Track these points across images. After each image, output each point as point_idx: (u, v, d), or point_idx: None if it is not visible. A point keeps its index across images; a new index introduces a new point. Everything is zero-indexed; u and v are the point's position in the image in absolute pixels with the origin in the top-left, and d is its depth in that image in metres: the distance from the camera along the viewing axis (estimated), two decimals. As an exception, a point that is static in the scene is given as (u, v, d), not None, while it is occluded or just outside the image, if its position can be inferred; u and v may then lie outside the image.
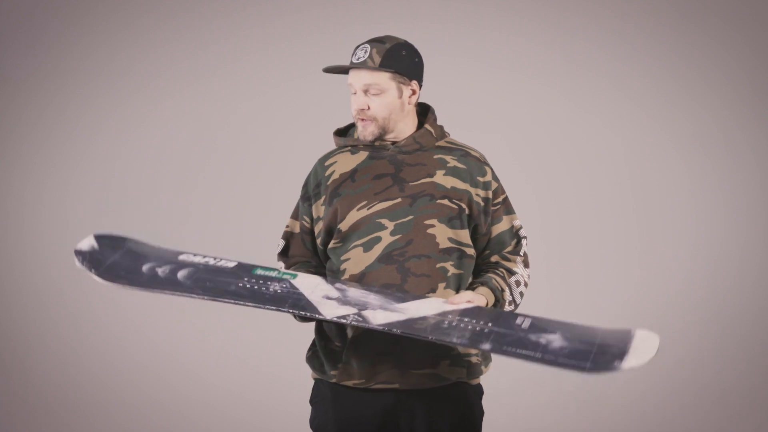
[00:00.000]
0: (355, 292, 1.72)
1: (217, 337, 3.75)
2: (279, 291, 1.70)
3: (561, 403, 3.56)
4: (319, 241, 1.91)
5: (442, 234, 1.82)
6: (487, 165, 1.92)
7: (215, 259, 1.81)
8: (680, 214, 3.75)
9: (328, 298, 1.69)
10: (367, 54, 1.83)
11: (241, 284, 1.71)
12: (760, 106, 3.75)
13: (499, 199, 1.92)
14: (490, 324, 1.65)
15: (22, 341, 3.76)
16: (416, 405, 1.82)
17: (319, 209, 1.90)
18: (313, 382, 1.94)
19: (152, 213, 3.80)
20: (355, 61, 1.84)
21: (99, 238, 1.79)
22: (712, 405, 3.53)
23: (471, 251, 1.87)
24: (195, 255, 1.82)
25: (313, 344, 1.93)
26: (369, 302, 1.68)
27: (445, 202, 1.83)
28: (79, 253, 1.74)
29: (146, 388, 3.65)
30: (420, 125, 1.93)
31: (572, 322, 1.68)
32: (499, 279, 1.87)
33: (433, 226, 1.81)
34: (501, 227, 1.92)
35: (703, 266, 3.72)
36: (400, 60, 1.85)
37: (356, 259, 1.82)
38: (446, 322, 1.64)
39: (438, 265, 1.80)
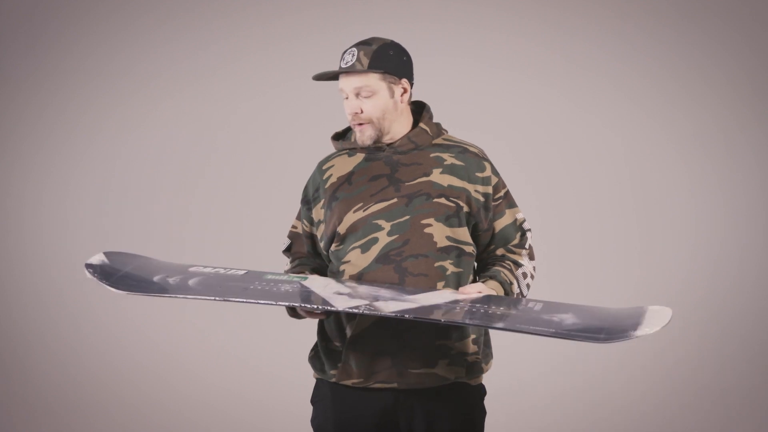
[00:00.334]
0: (365, 288, 1.73)
1: (217, 337, 3.75)
2: (290, 290, 1.71)
3: (563, 403, 3.56)
4: (322, 245, 1.92)
5: (440, 233, 1.81)
6: (486, 160, 1.91)
7: (225, 269, 1.83)
8: (680, 214, 3.75)
9: (339, 293, 1.69)
10: (355, 57, 1.83)
11: (252, 287, 1.72)
12: (760, 106, 3.75)
13: (500, 194, 1.92)
14: (502, 308, 1.65)
15: (22, 341, 3.76)
16: (415, 405, 1.82)
17: (318, 213, 1.91)
18: (314, 382, 1.95)
19: (152, 213, 3.80)
20: (343, 65, 1.84)
21: (109, 254, 1.79)
22: (713, 405, 3.53)
23: (470, 249, 1.86)
24: (205, 267, 1.84)
25: (316, 344, 1.93)
26: (380, 295, 1.68)
27: (442, 200, 1.83)
28: (89, 266, 1.73)
29: (146, 388, 3.65)
30: (415, 124, 1.93)
31: (584, 305, 1.68)
32: (506, 272, 1.87)
33: (430, 225, 1.81)
34: (504, 221, 1.92)
35: (703, 266, 3.72)
36: (388, 60, 1.85)
37: (354, 261, 1.82)
38: (458, 308, 1.64)
39: (436, 264, 1.80)
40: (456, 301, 1.68)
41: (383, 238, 1.80)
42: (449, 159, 1.87)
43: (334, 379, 1.85)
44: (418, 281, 1.78)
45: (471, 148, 1.92)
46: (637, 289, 3.68)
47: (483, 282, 1.84)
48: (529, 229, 1.96)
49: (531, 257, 1.94)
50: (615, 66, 3.78)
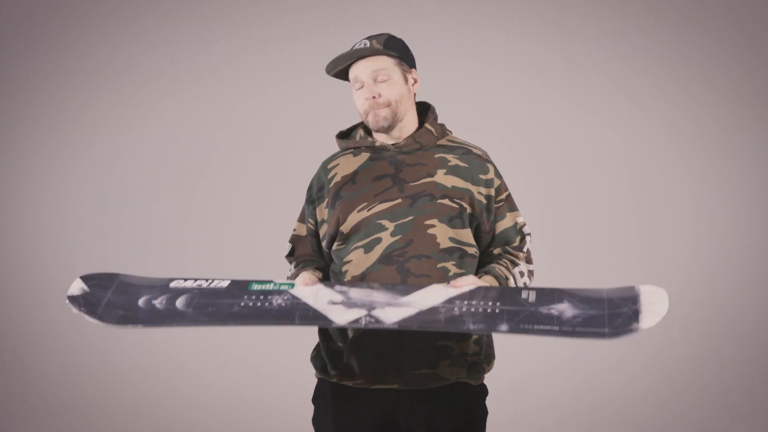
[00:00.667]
0: (357, 293, 1.71)
1: (217, 337, 3.75)
2: (283, 304, 1.68)
3: (563, 403, 3.56)
4: (324, 244, 1.92)
5: (443, 234, 1.82)
6: (490, 162, 1.92)
7: (207, 281, 1.78)
8: (680, 214, 3.75)
9: (333, 303, 1.68)
10: (368, 45, 1.85)
11: (243, 303, 1.68)
12: (760, 106, 3.75)
13: (502, 196, 1.92)
14: (498, 303, 1.64)
15: (22, 341, 3.76)
16: (416, 405, 1.82)
17: (322, 212, 1.91)
18: (315, 381, 1.95)
19: (152, 213, 3.80)
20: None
21: (86, 279, 1.73)
22: (713, 405, 3.53)
23: (473, 250, 1.87)
24: (186, 280, 1.78)
25: (317, 345, 1.93)
26: (374, 300, 1.67)
27: (446, 201, 1.83)
28: (72, 299, 1.67)
29: (146, 388, 3.65)
30: (420, 124, 1.93)
31: (575, 288, 1.68)
32: (502, 268, 1.87)
33: (433, 226, 1.81)
34: (505, 224, 1.92)
35: (703, 266, 3.72)
36: (400, 48, 1.89)
37: (357, 261, 1.82)
38: (456, 309, 1.63)
39: (439, 265, 1.80)
40: (451, 300, 1.67)
41: (386, 239, 1.80)
42: (453, 160, 1.88)
43: (335, 379, 1.85)
44: (421, 282, 1.78)
45: (475, 150, 1.92)
46: (637, 289, 3.68)
47: (479, 277, 1.83)
48: (529, 234, 1.96)
49: (528, 261, 1.94)
50: (615, 66, 3.78)
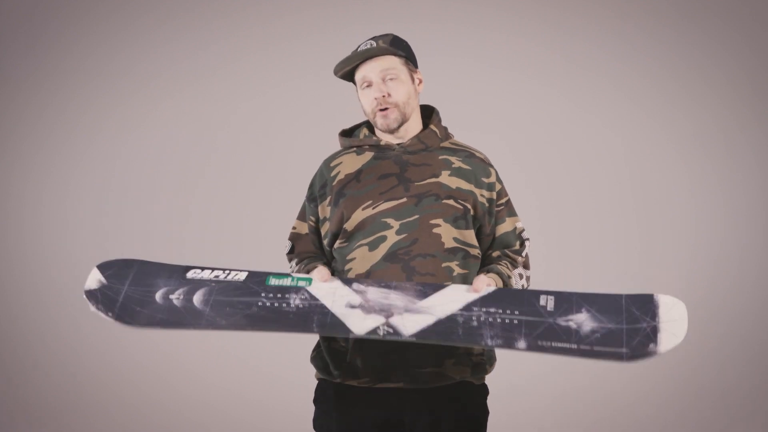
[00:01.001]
0: (374, 293, 1.69)
1: (217, 337, 3.75)
2: (301, 306, 1.66)
3: (564, 402, 3.56)
4: (326, 242, 1.92)
5: (448, 234, 1.82)
6: (491, 166, 1.94)
7: (224, 272, 1.74)
8: (680, 214, 3.75)
9: (352, 306, 1.66)
10: (375, 45, 1.86)
11: (260, 303, 1.65)
12: (760, 106, 3.75)
13: (503, 201, 1.94)
14: (516, 312, 1.63)
15: (22, 341, 3.76)
16: (420, 404, 1.82)
17: (325, 210, 1.91)
18: (316, 382, 1.94)
19: (152, 213, 3.80)
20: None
21: (103, 267, 1.70)
22: (713, 405, 3.53)
23: (476, 252, 1.87)
24: (203, 270, 1.75)
25: (318, 345, 1.93)
26: (392, 304, 1.65)
27: (451, 202, 1.84)
28: (90, 294, 1.64)
29: (146, 388, 3.65)
30: (424, 126, 1.94)
31: (593, 293, 1.67)
32: (504, 267, 1.88)
33: (438, 225, 1.82)
34: (504, 228, 1.93)
35: (703, 266, 3.72)
36: (405, 48, 1.91)
37: (361, 258, 1.82)
38: (474, 319, 1.63)
39: (443, 265, 1.81)
40: (469, 307, 1.66)
41: (392, 237, 1.80)
42: (457, 162, 1.89)
43: (338, 380, 1.84)
44: (425, 281, 1.78)
45: (477, 154, 1.94)
46: (637, 289, 3.67)
47: (485, 274, 1.83)
48: (528, 239, 1.97)
49: (526, 266, 1.95)
50: (615, 66, 3.78)
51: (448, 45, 3.76)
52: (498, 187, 1.92)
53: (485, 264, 1.92)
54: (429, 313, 1.63)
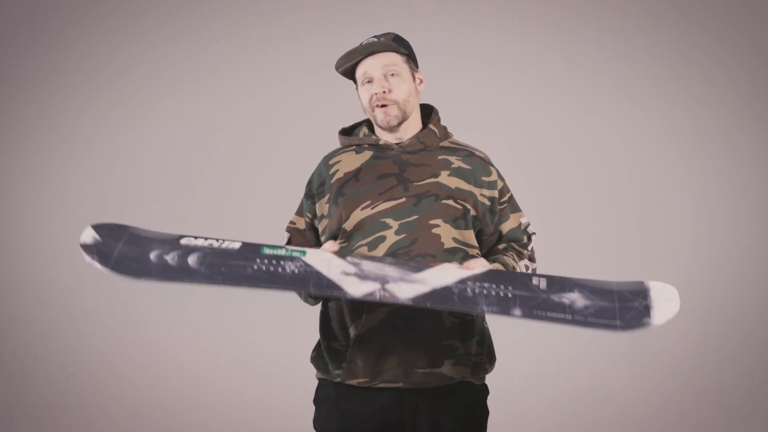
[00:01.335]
0: (369, 265, 1.68)
1: (217, 337, 3.75)
2: (296, 271, 1.65)
3: (564, 402, 3.56)
4: (323, 240, 1.91)
5: (447, 234, 1.82)
6: (492, 165, 1.93)
7: (218, 240, 1.77)
8: (680, 214, 3.76)
9: (346, 273, 1.65)
10: (377, 41, 1.87)
11: (255, 267, 1.65)
12: (760, 106, 3.76)
13: (505, 198, 1.93)
14: (510, 288, 1.64)
15: (22, 341, 3.76)
16: (420, 404, 1.82)
17: (323, 207, 1.90)
18: (317, 382, 1.94)
19: (152, 213, 3.80)
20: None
21: (98, 228, 1.71)
22: (713, 405, 3.53)
23: (474, 252, 1.87)
24: (196, 238, 1.78)
25: (318, 345, 1.92)
26: (387, 274, 1.64)
27: (450, 202, 1.83)
28: (85, 246, 1.66)
29: (146, 388, 3.65)
30: (424, 126, 1.94)
31: (584, 278, 1.68)
32: (509, 258, 1.88)
33: (438, 225, 1.81)
34: (509, 225, 1.93)
35: (703, 266, 3.72)
36: (407, 47, 1.91)
37: None
38: (469, 290, 1.63)
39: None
40: (464, 281, 1.65)
41: (391, 237, 1.80)
42: (456, 162, 1.88)
43: (338, 379, 1.84)
44: None
45: (477, 153, 1.94)
46: (637, 289, 3.68)
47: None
48: (534, 233, 1.97)
49: (532, 259, 1.95)
50: (615, 66, 3.78)
51: (448, 45, 3.76)
52: (500, 185, 1.92)
53: (492, 254, 1.92)
54: (424, 283, 1.63)
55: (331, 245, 1.75)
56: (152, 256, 1.68)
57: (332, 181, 1.88)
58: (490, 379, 1.93)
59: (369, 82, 1.87)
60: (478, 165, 1.90)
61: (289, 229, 1.98)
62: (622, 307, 1.57)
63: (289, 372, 3.47)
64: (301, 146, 3.42)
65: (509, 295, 1.62)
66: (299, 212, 1.98)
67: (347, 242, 1.84)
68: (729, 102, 3.76)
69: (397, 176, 1.84)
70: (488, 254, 1.93)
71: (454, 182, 1.85)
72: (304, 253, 1.70)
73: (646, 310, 1.55)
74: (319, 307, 1.93)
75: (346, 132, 1.98)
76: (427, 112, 1.98)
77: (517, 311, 1.58)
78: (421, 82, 1.93)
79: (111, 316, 3.77)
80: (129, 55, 3.84)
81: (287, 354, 3.52)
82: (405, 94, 1.86)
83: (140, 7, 3.84)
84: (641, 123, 3.79)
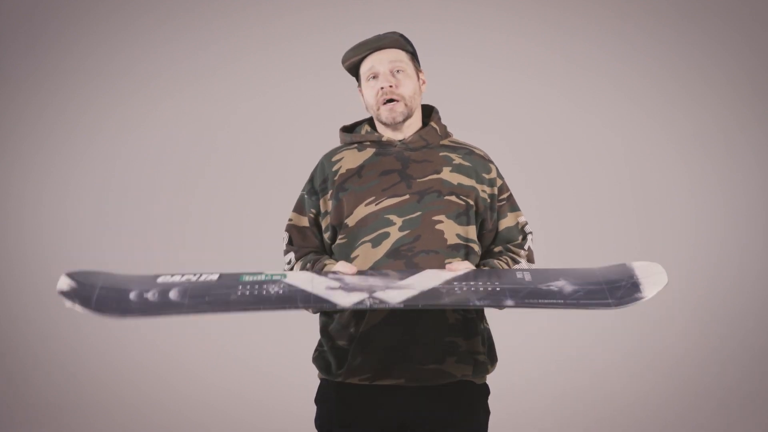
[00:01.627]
0: (352, 279, 1.68)
1: (217, 337, 3.75)
2: (281, 292, 1.62)
3: (564, 402, 3.56)
4: (326, 236, 1.91)
5: (450, 230, 1.82)
6: (492, 162, 1.94)
7: (195, 275, 1.69)
8: (680, 214, 3.76)
9: (331, 288, 1.63)
10: (386, 36, 1.89)
11: (239, 293, 1.61)
12: (760, 106, 3.76)
13: (504, 196, 1.94)
14: (497, 283, 1.64)
15: (22, 341, 3.76)
16: (421, 402, 1.82)
17: (326, 203, 1.90)
18: (317, 382, 1.93)
19: (152, 213, 3.80)
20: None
21: (73, 275, 1.64)
22: (713, 405, 3.53)
23: (477, 248, 1.88)
24: (172, 276, 1.69)
25: (320, 345, 1.92)
26: (373, 284, 1.63)
27: (453, 198, 1.84)
28: (63, 293, 1.58)
29: (146, 388, 3.65)
30: (424, 125, 1.95)
31: (567, 268, 1.69)
32: (502, 262, 1.88)
33: (441, 222, 1.82)
34: (507, 223, 1.94)
35: (703, 266, 3.72)
36: (412, 46, 1.93)
37: (365, 255, 1.81)
38: (458, 290, 1.62)
39: (446, 261, 1.81)
40: (450, 281, 1.65)
41: (395, 233, 1.80)
42: (457, 159, 1.90)
43: (340, 379, 1.84)
44: None
45: (477, 151, 1.95)
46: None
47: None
48: (531, 233, 1.97)
49: (530, 260, 1.95)
50: (615, 66, 3.78)
51: (448, 45, 3.76)
52: (499, 182, 1.93)
53: (486, 259, 1.92)
54: (411, 288, 1.62)
55: (345, 267, 1.73)
56: (132, 295, 1.62)
57: (335, 178, 1.88)
58: (490, 379, 1.93)
59: (374, 77, 1.88)
60: (478, 162, 1.91)
61: (288, 228, 1.97)
62: (610, 287, 1.57)
63: (289, 372, 3.47)
64: (301, 146, 3.42)
65: (497, 288, 1.61)
66: (299, 209, 1.96)
67: (349, 239, 1.84)
68: (729, 102, 3.77)
69: (400, 173, 1.85)
70: (484, 256, 1.93)
71: (456, 178, 1.86)
72: (284, 276, 1.68)
73: (634, 287, 1.56)
74: (319, 307, 1.93)
75: (348, 130, 1.99)
76: (427, 112, 2.00)
77: (509, 302, 1.57)
78: (424, 82, 1.94)
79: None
80: (129, 55, 3.84)
81: (287, 354, 3.52)
82: (411, 91, 1.88)
83: (140, 7, 3.84)
84: (641, 123, 3.79)
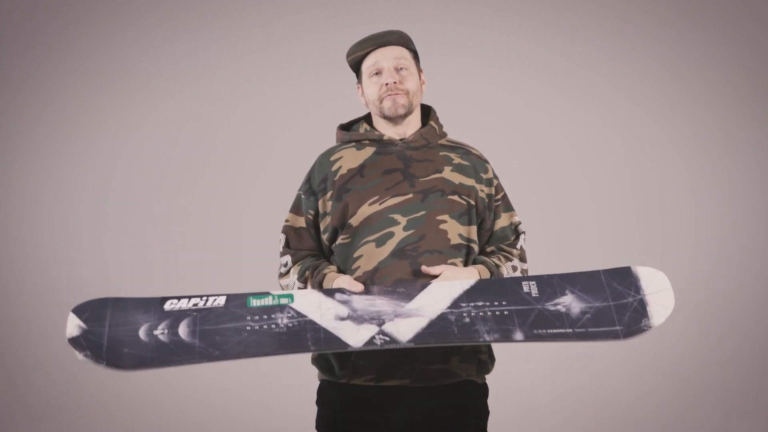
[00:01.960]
0: (359, 302, 1.68)
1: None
2: (290, 324, 1.64)
3: (564, 402, 3.56)
4: (325, 237, 1.90)
5: (454, 230, 1.83)
6: (487, 162, 1.96)
7: (201, 298, 1.70)
8: (680, 214, 3.75)
9: (341, 318, 1.65)
10: (390, 33, 1.91)
11: (249, 327, 1.63)
12: (760, 106, 3.76)
13: (499, 196, 1.95)
14: (504, 303, 1.64)
15: (22, 341, 3.76)
16: (422, 403, 1.82)
17: (326, 204, 1.89)
18: (317, 382, 1.93)
19: (152, 213, 3.80)
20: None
21: (79, 311, 1.64)
22: (713, 405, 3.53)
23: (476, 247, 1.89)
24: (179, 300, 1.70)
25: (321, 345, 1.92)
26: (381, 311, 1.65)
27: (455, 197, 1.85)
28: (73, 341, 1.58)
29: (146, 388, 3.65)
30: (423, 124, 1.96)
31: (572, 273, 1.71)
32: (494, 258, 1.89)
33: (444, 221, 1.82)
34: (501, 223, 1.95)
35: (703, 266, 3.72)
36: (414, 46, 1.94)
37: (369, 255, 1.81)
38: (465, 315, 1.63)
39: (449, 261, 1.81)
40: (457, 303, 1.66)
41: (399, 233, 1.80)
42: (456, 158, 1.91)
43: (344, 380, 1.83)
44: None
45: (473, 150, 1.96)
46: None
47: (472, 266, 1.84)
48: (524, 232, 1.98)
49: (522, 259, 1.95)
50: (615, 66, 3.78)
51: (448, 45, 3.76)
52: (495, 182, 1.94)
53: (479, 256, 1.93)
54: (419, 315, 1.63)
55: (351, 284, 1.74)
56: (142, 333, 1.62)
57: (335, 178, 1.88)
58: (490, 379, 1.93)
59: (377, 73, 1.89)
60: (476, 162, 1.92)
61: (285, 230, 1.97)
62: (617, 306, 1.57)
63: (289, 372, 3.47)
64: (301, 146, 3.41)
65: (505, 312, 1.62)
66: (295, 210, 1.96)
67: (352, 239, 1.84)
68: (729, 102, 3.77)
69: (403, 172, 1.85)
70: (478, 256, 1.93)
71: (457, 178, 1.87)
72: (291, 298, 1.69)
73: (642, 307, 1.55)
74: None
75: (345, 128, 1.98)
76: (425, 112, 2.00)
77: (519, 335, 1.60)
78: (424, 83, 1.95)
79: (111, 316, 3.77)
80: (129, 55, 3.84)
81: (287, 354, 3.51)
82: (414, 87, 1.89)
83: (140, 7, 3.84)
84: (641, 123, 3.79)
